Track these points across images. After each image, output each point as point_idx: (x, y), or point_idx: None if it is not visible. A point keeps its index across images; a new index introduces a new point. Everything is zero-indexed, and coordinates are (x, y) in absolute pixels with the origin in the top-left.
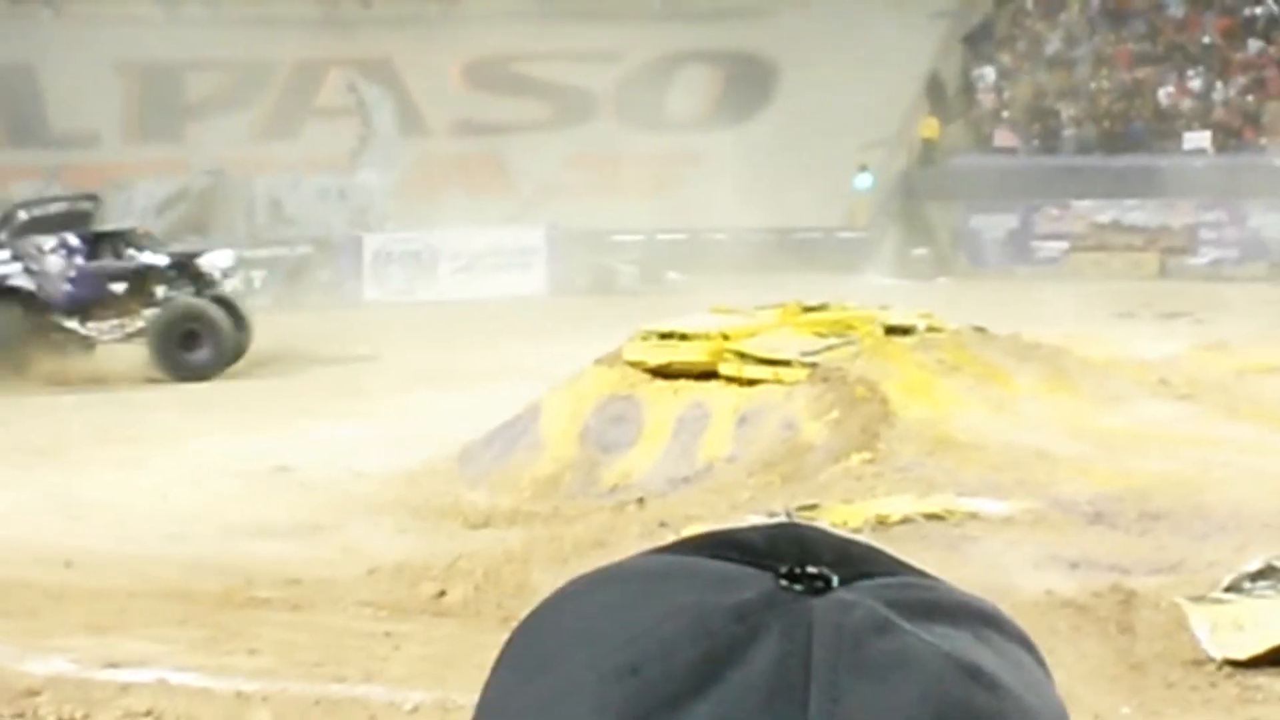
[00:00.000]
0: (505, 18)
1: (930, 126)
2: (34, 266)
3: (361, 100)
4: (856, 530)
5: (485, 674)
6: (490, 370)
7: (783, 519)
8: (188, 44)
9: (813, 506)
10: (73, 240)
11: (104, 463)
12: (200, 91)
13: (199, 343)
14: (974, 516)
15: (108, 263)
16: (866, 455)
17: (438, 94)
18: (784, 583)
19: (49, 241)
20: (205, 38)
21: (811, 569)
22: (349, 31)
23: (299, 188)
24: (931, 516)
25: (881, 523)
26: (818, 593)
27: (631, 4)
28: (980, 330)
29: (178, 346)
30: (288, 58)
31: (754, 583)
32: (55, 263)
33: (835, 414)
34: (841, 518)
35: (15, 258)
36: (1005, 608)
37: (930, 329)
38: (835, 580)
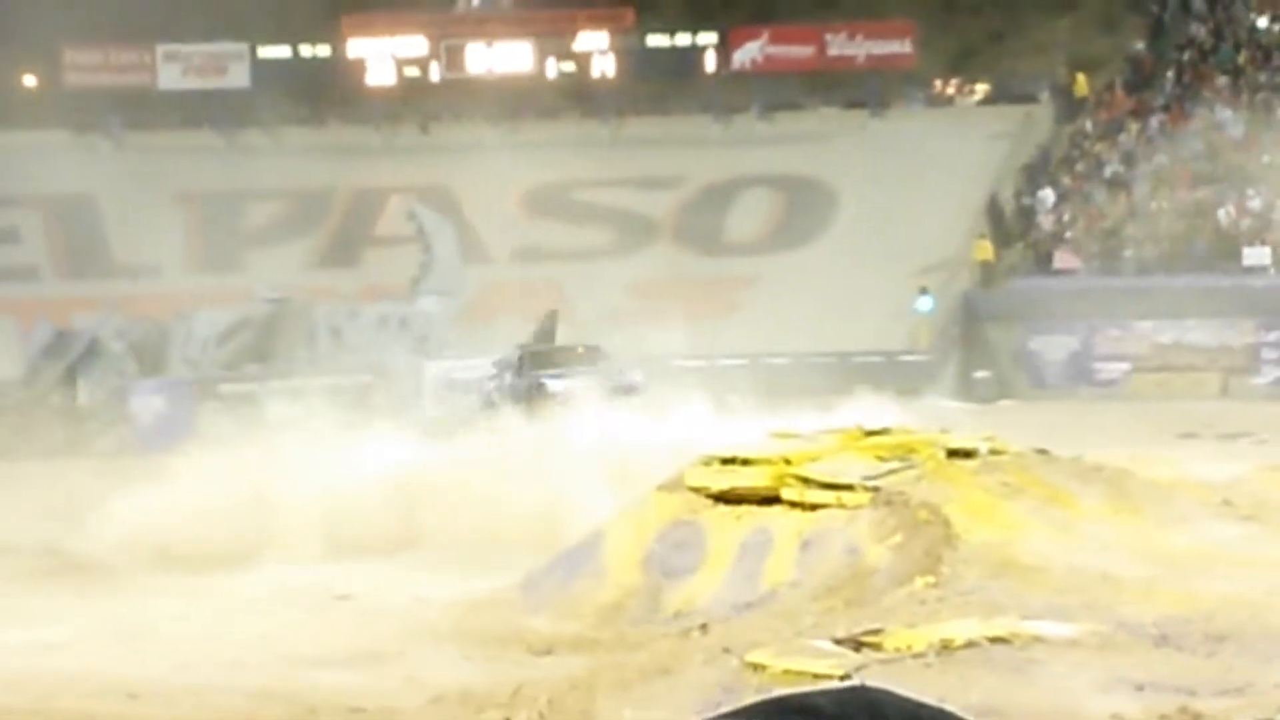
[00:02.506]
0: (565, 145)
1: (984, 249)
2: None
3: (421, 228)
4: (920, 654)
5: None
6: (560, 493)
7: (853, 682)
8: (248, 173)
9: (877, 631)
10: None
11: (164, 591)
12: (261, 220)
13: None
14: (1039, 640)
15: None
16: (930, 579)
17: (498, 221)
18: None
19: None
20: (265, 167)
21: None
22: (409, 159)
23: (359, 316)
24: (996, 640)
25: (946, 647)
26: None
27: (691, 130)
28: (1043, 452)
29: None
30: (348, 186)
31: None
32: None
33: (898, 538)
34: (905, 642)
35: None
36: None
37: (993, 452)
38: None
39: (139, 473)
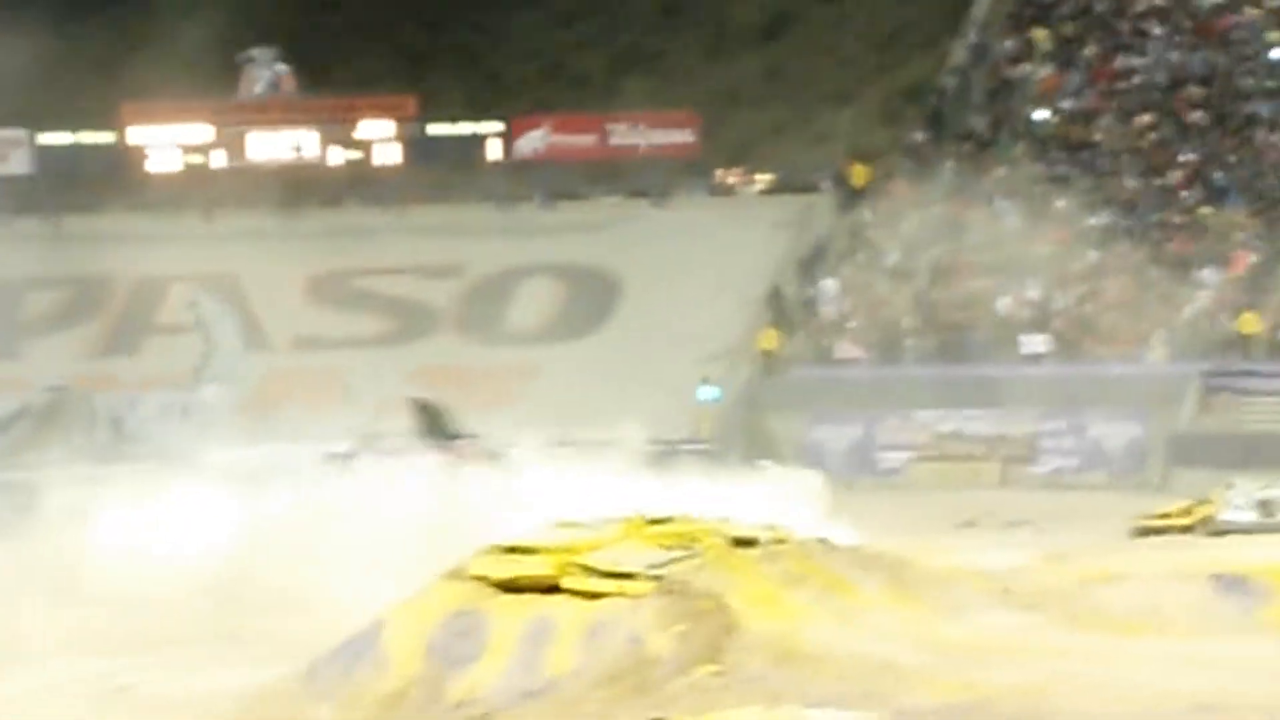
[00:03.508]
0: (347, 233)
1: (769, 338)
2: None
3: (202, 316)
4: None
5: None
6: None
7: None
8: (27, 261)
9: None
10: None
11: None
12: (40, 308)
13: None
14: None
15: None
16: (713, 667)
17: (280, 309)
18: None
19: None
20: (45, 254)
21: None
22: (190, 246)
23: (139, 405)
24: None
25: None
26: None
27: (472, 219)
28: (824, 541)
29: None
30: (128, 274)
31: None
32: None
33: (681, 626)
34: None
35: None
36: None
37: (775, 540)
38: None
39: None
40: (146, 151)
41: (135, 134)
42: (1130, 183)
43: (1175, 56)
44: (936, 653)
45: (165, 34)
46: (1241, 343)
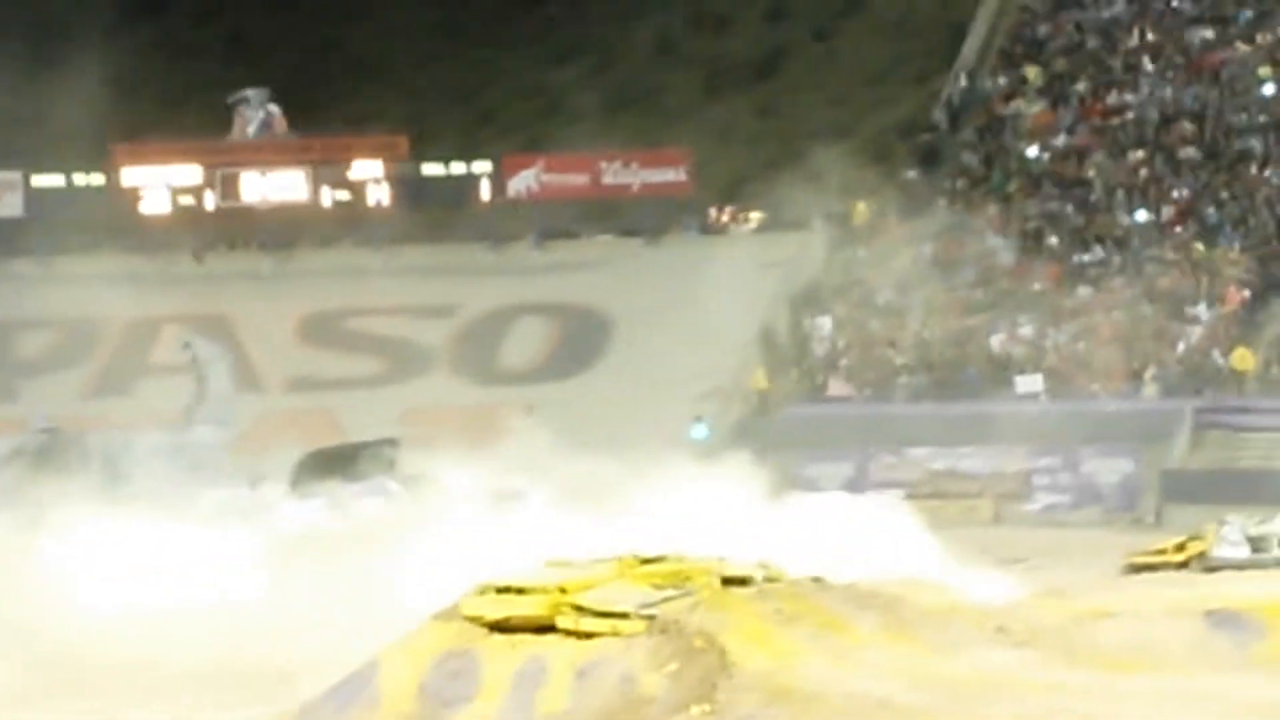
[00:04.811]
0: (339, 274)
1: (761, 376)
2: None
3: (195, 357)
4: None
5: None
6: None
7: None
8: (20, 302)
9: None
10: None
11: None
12: (33, 350)
13: None
14: None
15: None
16: (706, 707)
17: (272, 350)
18: None
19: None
20: (38, 296)
21: None
22: (183, 288)
23: (133, 446)
24: None
25: None
26: None
27: (465, 258)
28: (818, 580)
29: None
30: (121, 315)
31: None
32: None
33: (674, 666)
34: None
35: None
36: None
37: (768, 579)
38: None
39: None
40: (139, 193)
41: (127, 176)
42: (1122, 219)
43: (1167, 93)
44: (932, 691)
45: (157, 76)
46: (1234, 379)
